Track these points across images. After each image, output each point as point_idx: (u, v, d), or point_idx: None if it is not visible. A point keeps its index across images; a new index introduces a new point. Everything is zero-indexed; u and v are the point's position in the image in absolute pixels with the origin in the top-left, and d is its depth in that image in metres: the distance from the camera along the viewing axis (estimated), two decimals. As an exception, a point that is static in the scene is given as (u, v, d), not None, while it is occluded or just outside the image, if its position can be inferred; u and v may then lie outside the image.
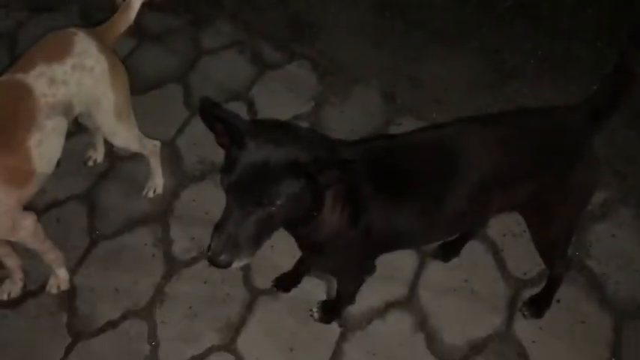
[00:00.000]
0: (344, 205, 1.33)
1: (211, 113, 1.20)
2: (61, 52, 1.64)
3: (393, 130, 2.37)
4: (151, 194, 2.18)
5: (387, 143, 1.49)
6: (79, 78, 1.66)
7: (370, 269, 1.64)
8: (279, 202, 1.14)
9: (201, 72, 2.60)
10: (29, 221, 1.68)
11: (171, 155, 2.30)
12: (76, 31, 1.72)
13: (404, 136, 1.54)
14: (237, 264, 1.19)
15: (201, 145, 2.33)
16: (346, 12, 2.86)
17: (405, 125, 2.38)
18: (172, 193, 2.21)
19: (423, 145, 1.45)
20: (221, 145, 1.22)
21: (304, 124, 2.39)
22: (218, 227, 1.18)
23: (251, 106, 2.47)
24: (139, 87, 2.44)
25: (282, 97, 2.51)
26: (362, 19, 2.84)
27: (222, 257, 1.16)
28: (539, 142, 1.43)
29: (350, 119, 2.44)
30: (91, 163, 2.26)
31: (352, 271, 1.61)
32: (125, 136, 1.91)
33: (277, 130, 1.21)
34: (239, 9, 2.88)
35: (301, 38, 2.74)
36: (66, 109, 1.66)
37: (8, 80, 1.58)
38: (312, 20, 2.82)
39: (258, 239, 1.19)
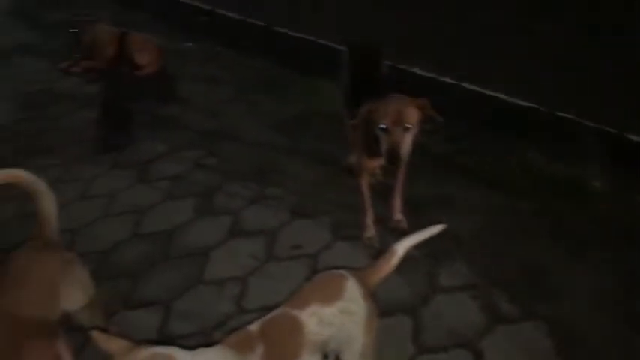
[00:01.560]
0: None
1: None
2: (333, 295, 1.83)
3: None
4: None
5: None
6: (343, 321, 1.82)
7: None
8: None
9: (433, 309, 2.66)
10: None
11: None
12: (347, 276, 1.92)
13: None
14: None
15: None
16: (589, 278, 2.76)
17: None
18: None
19: None
20: None
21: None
22: None
23: (478, 358, 2.42)
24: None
25: (513, 357, 2.41)
26: (604, 289, 2.70)
27: None
28: None
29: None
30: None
31: None
32: (361, 373, 1.99)
33: None
34: (477, 251, 2.97)
35: (539, 296, 2.68)
36: (323, 347, 1.80)
37: (285, 314, 1.79)
38: (552, 283, 2.76)
39: None
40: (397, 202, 3.11)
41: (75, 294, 2.08)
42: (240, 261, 3.03)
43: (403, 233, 2.79)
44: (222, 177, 3.76)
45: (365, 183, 3.01)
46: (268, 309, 2.00)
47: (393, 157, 2.58)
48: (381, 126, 2.59)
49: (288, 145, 4.08)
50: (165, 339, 2.59)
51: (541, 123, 3.72)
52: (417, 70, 4.37)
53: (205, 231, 3.28)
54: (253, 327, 1.75)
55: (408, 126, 2.58)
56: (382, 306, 2.64)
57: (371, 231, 3.06)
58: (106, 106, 4.85)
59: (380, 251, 2.82)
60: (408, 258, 2.53)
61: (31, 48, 6.40)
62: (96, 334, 1.49)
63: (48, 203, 2.15)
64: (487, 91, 4.00)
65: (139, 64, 5.38)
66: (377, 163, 2.97)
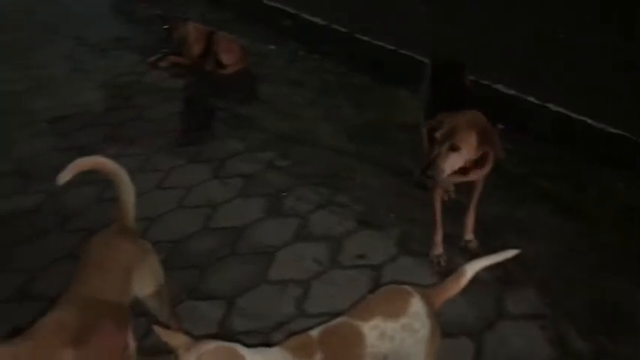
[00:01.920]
0: None
1: None
2: (397, 311, 1.80)
3: None
4: None
5: None
6: (404, 337, 1.78)
7: None
8: None
9: (498, 336, 2.56)
10: None
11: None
12: (413, 292, 1.88)
13: None
14: None
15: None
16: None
17: None
18: None
19: None
20: None
21: None
22: None
23: (543, 395, 2.31)
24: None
25: (580, 396, 2.30)
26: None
27: None
28: None
29: None
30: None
31: None
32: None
33: None
34: (550, 280, 2.84)
35: (613, 334, 2.53)
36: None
37: (346, 324, 1.78)
38: (628, 321, 2.60)
39: None
40: (470, 222, 3.02)
41: (146, 281, 2.15)
42: (304, 264, 3.05)
43: (472, 254, 2.73)
44: (293, 179, 3.80)
45: (437, 198, 2.95)
46: (328, 315, 2.00)
47: (427, 169, 2.54)
48: (435, 136, 2.54)
49: (361, 152, 4.06)
50: (225, 334, 2.64)
51: (630, 152, 3.52)
52: (501, 87, 4.25)
53: (272, 231, 3.33)
54: (314, 333, 1.75)
55: (456, 146, 2.51)
56: (445, 326, 2.56)
57: (439, 249, 2.99)
58: (189, 101, 5.04)
59: (446, 270, 2.77)
60: (476, 280, 2.46)
61: (124, 41, 6.72)
62: (158, 329, 1.53)
63: (127, 191, 2.24)
64: (573, 115, 3.83)
65: (224, 63, 5.55)
66: (452, 180, 2.91)
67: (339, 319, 1.81)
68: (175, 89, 5.39)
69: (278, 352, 1.65)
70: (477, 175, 2.81)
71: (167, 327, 1.82)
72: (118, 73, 5.82)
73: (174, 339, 1.51)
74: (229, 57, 5.55)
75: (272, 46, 6.24)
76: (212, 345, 1.50)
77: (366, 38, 5.45)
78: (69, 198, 3.67)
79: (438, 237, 2.99)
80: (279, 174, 3.89)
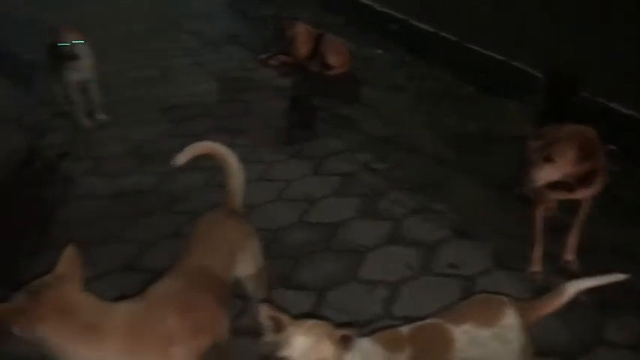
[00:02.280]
0: None
1: None
2: (490, 319, 1.79)
3: None
4: None
5: None
6: (495, 346, 1.77)
7: None
8: None
9: (595, 363, 2.46)
10: None
11: None
12: (508, 303, 1.86)
13: None
14: None
15: None
16: None
17: None
18: None
19: None
20: None
21: None
22: None
23: None
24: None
25: None
26: None
27: None
28: None
29: None
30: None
31: None
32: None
33: None
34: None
35: None
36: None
37: (438, 325, 1.80)
38: None
39: None
40: (572, 242, 2.90)
41: (248, 262, 2.27)
42: (394, 267, 3.06)
43: (571, 275, 2.63)
44: (389, 183, 3.83)
45: (539, 215, 2.86)
46: (414, 320, 1.99)
47: (525, 176, 2.54)
48: (535, 145, 2.51)
49: (461, 161, 4.02)
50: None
51: None
52: (615, 106, 4.03)
53: (365, 231, 3.37)
54: (404, 329, 1.78)
55: (550, 157, 2.46)
56: (537, 345, 2.50)
57: (537, 266, 2.90)
58: (295, 100, 5.20)
59: (542, 289, 2.68)
60: (574, 301, 2.38)
61: (237, 38, 7.04)
62: (264, 307, 1.58)
63: (237, 177, 2.37)
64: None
65: (330, 64, 5.67)
66: (557, 196, 2.82)
67: (430, 320, 1.83)
68: (282, 87, 5.58)
69: (369, 343, 1.69)
70: (584, 194, 2.71)
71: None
72: (230, 68, 6.12)
73: (282, 318, 1.55)
74: (337, 59, 5.66)
75: (379, 51, 6.29)
76: (313, 321, 1.56)
77: (476, 48, 5.35)
78: (178, 181, 3.92)
79: (537, 254, 2.90)
80: (375, 176, 3.93)
